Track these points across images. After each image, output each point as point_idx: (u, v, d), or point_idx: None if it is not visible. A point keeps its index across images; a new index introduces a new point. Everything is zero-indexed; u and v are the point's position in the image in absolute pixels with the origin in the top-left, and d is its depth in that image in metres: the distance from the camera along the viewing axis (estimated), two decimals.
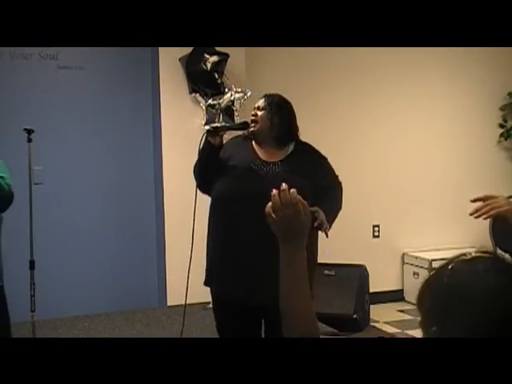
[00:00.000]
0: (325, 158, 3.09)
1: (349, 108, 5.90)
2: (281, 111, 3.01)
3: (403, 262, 6.10)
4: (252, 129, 2.95)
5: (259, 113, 2.96)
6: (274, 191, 1.46)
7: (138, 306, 5.05)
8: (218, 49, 5.05)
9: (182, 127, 5.18)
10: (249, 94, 5.09)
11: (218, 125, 2.95)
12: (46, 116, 4.88)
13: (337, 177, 3.15)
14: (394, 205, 6.03)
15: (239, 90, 5.09)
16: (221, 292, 2.93)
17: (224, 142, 2.96)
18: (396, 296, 5.97)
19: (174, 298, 4.99)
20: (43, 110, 4.91)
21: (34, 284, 3.82)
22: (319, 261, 5.22)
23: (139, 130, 5.27)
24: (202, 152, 2.93)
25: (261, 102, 2.99)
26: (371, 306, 5.29)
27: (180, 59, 5.08)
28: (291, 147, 3.00)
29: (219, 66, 5.06)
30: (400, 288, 6.05)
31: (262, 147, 2.98)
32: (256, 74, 5.45)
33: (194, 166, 3.03)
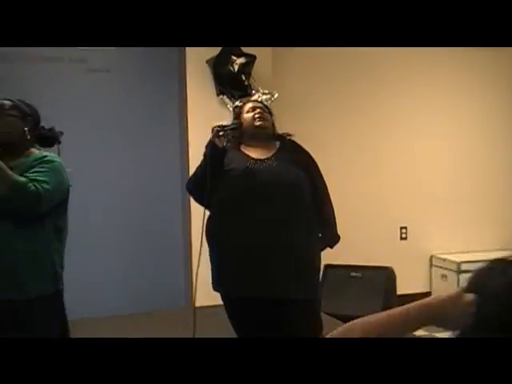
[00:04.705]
0: (310, 154, 3.22)
1: (374, 109, 5.87)
2: (271, 112, 3.27)
3: (431, 265, 6.05)
4: (260, 123, 3.13)
5: (265, 113, 3.18)
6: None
7: (165, 306, 5.07)
8: (244, 50, 5.06)
9: (209, 129, 5.17)
10: (276, 95, 5.09)
11: (221, 124, 3.07)
12: (75, 118, 4.93)
13: (321, 174, 3.23)
14: (421, 207, 5.99)
15: (266, 91, 5.09)
16: (240, 290, 2.98)
17: None
18: (424, 298, 5.92)
19: (201, 299, 5.01)
20: (72, 112, 4.95)
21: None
22: (345, 262, 5.23)
23: (166, 132, 5.30)
24: (208, 156, 3.04)
25: (261, 104, 3.26)
26: None
27: (207, 61, 5.10)
28: (278, 144, 3.19)
29: (246, 68, 5.06)
30: (428, 290, 6.00)
31: (252, 147, 3.14)
32: (283, 75, 5.45)
33: (194, 175, 3.17)
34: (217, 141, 3.01)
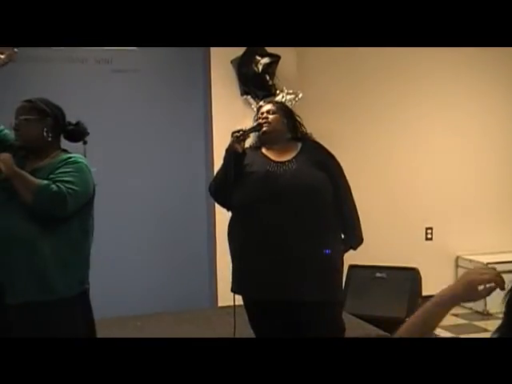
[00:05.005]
0: (332, 155, 3.19)
1: (401, 107, 5.84)
2: (288, 114, 3.21)
3: (457, 266, 5.99)
4: (264, 128, 3.12)
5: (270, 116, 3.14)
6: None
7: (189, 306, 5.09)
8: (269, 50, 5.06)
9: (234, 129, 5.19)
10: (300, 95, 5.08)
11: (242, 129, 3.09)
12: (100, 118, 4.96)
13: (344, 174, 3.20)
14: (447, 207, 5.94)
15: (290, 91, 5.09)
16: (259, 292, 2.98)
17: None
18: None
19: (225, 299, 5.02)
20: (97, 112, 4.99)
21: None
22: (370, 263, 5.21)
23: (191, 132, 5.31)
24: (227, 161, 3.06)
25: (269, 107, 3.19)
26: None
27: (232, 61, 5.11)
28: (300, 145, 3.15)
29: (270, 68, 5.06)
30: None
31: (273, 150, 3.13)
32: (307, 75, 5.44)
33: (215, 179, 3.19)
34: (237, 146, 3.03)
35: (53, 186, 2.60)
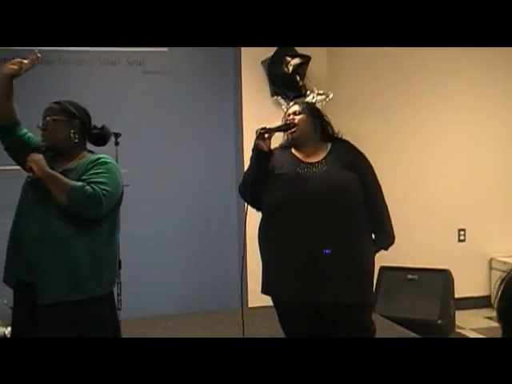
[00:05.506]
0: (362, 154, 3.14)
1: (435, 107, 5.78)
2: (315, 114, 3.14)
3: (491, 268, 5.91)
4: (293, 134, 3.06)
5: (296, 117, 3.08)
6: None
7: (220, 306, 5.10)
8: (299, 51, 5.04)
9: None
10: (331, 95, 5.06)
11: (267, 126, 3.03)
12: (132, 119, 5.00)
13: (375, 173, 3.14)
14: (480, 208, 5.86)
15: (321, 92, 5.07)
16: (289, 294, 2.96)
17: None
18: (483, 302, 5.79)
19: (255, 299, 5.02)
20: (129, 113, 5.03)
21: (120, 283, 3.93)
22: (402, 264, 5.16)
23: (222, 133, 5.33)
24: (254, 160, 3.05)
25: (296, 108, 3.13)
26: (457, 312, 5.14)
27: (262, 62, 5.11)
28: (329, 146, 3.10)
29: (301, 69, 5.05)
30: (487, 294, 5.86)
31: (302, 150, 3.09)
32: (338, 75, 5.41)
33: (243, 179, 3.16)
34: (261, 144, 3.00)
35: (87, 187, 2.62)
